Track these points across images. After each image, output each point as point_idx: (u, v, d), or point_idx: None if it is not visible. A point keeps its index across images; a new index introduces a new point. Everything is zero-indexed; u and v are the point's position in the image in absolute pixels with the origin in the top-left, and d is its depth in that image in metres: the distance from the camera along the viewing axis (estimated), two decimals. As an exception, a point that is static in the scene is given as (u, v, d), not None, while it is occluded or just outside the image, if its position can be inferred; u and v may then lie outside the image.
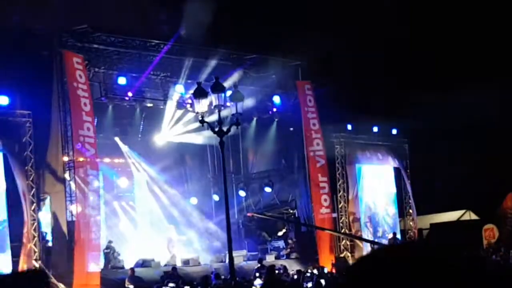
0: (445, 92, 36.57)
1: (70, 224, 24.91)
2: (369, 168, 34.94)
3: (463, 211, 40.30)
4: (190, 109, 29.84)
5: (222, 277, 24.39)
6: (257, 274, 24.87)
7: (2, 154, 23.80)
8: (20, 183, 23.77)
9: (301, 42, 30.53)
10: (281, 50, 31.00)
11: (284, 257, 31.22)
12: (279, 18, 31.88)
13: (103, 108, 29.32)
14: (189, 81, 29.28)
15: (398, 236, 34.21)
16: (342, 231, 32.14)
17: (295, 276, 25.56)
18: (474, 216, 40.23)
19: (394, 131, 36.23)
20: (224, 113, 20.69)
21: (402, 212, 36.20)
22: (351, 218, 33.30)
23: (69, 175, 25.33)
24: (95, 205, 24.90)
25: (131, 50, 28.71)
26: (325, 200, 31.40)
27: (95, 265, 24.25)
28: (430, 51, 36.80)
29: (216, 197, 34.26)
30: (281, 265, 28.30)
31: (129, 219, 31.59)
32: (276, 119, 33.76)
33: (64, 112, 25.49)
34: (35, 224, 23.99)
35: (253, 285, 22.37)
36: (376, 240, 31.09)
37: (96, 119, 26.91)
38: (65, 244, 24.91)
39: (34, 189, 24.15)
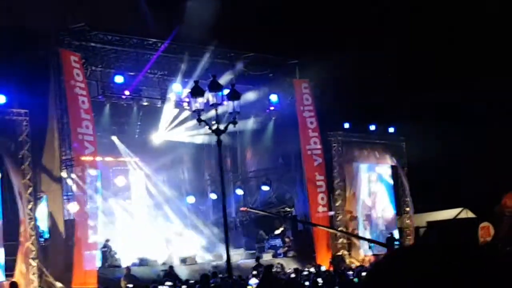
0: (443, 91, 36.63)
1: (68, 222, 24.92)
2: (367, 167, 34.97)
3: (460, 209, 40.31)
4: (187, 107, 29.82)
5: (220, 275, 24.39)
6: (254, 272, 24.88)
7: (-1, 153, 23.77)
8: (16, 182, 23.73)
9: (299, 41, 30.57)
10: (278, 48, 31.00)
11: (281, 256, 31.25)
12: (276, 16, 31.87)
13: (100, 106, 29.28)
14: (186, 79, 29.27)
15: (396, 234, 34.26)
16: (339, 229, 32.14)
17: (293, 275, 25.56)
18: (471, 214, 40.24)
19: (391, 130, 36.24)
20: (221, 111, 20.68)
21: (399, 210, 36.23)
22: (348, 216, 33.31)
23: (67, 174, 25.30)
24: (92, 203, 24.87)
25: (128, 48, 28.70)
26: (322, 198, 31.42)
27: (92, 264, 24.23)
28: (429, 50, 36.80)
29: (213, 196, 34.27)
30: (278, 263, 28.34)
31: (126, 218, 31.57)
32: (273, 118, 33.78)
33: (61, 111, 25.49)
34: (32, 223, 23.94)
35: (248, 284, 22.34)
36: (373, 239, 31.08)
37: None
38: (62, 243, 24.90)
39: (31, 188, 24.11)
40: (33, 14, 24.79)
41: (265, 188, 33.99)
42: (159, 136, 32.23)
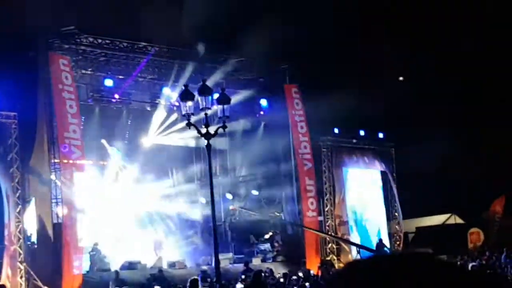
0: (431, 98, 36.76)
1: (56, 226, 24.82)
2: (356, 172, 35.02)
3: (448, 215, 40.47)
4: (177, 111, 29.77)
5: (209, 279, 24.34)
6: (243, 277, 24.85)
7: (-13, 156, 23.68)
8: (4, 185, 23.64)
9: (289, 45, 30.59)
10: (268, 53, 31.01)
11: (271, 260, 31.22)
12: (267, 21, 31.88)
13: (90, 110, 29.23)
14: (176, 83, 29.25)
15: (385, 240, 34.29)
16: (329, 233, 32.16)
17: (281, 279, 25.54)
18: (459, 220, 40.39)
19: (381, 135, 36.33)
20: (211, 115, 20.66)
21: (388, 215, 36.29)
22: (337, 221, 33.35)
23: (55, 177, 25.22)
24: (80, 207, 24.79)
25: (118, 52, 28.66)
26: (312, 203, 31.44)
27: (79, 268, 24.15)
28: (419, 53, 36.93)
29: (202, 200, 34.20)
30: (267, 268, 28.28)
31: (115, 222, 31.45)
32: (263, 122, 33.78)
33: (50, 114, 25.41)
34: (20, 226, 23.84)
35: None
36: (362, 244, 31.12)
37: (82, 121, 26.84)
38: (50, 246, 24.81)
39: (19, 191, 24.02)
40: (23, 17, 24.71)
41: (254, 192, 33.97)
42: (149, 139, 32.17)
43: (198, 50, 29.59)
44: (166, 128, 31.93)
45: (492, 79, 37.12)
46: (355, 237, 33.80)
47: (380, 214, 35.84)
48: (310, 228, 30.04)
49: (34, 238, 25.54)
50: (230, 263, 29.53)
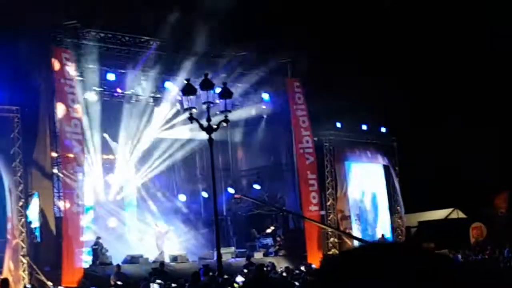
0: (434, 92, 36.73)
1: (58, 220, 24.86)
2: (358, 166, 35.01)
3: (451, 209, 40.47)
4: (179, 105, 29.78)
5: (210, 273, 24.36)
6: (245, 271, 24.88)
7: (-11, 149, 23.70)
8: (7, 179, 23.66)
9: (291, 40, 30.55)
10: (270, 47, 30.99)
11: (273, 254, 31.26)
12: (269, 15, 31.86)
13: (92, 104, 29.24)
14: (178, 77, 29.22)
15: (388, 234, 34.30)
16: (331, 226, 32.17)
17: (284, 274, 25.57)
18: (462, 215, 40.40)
19: (383, 129, 36.32)
20: (213, 110, 20.66)
21: (391, 210, 36.30)
22: (339, 215, 33.36)
23: (58, 171, 25.25)
24: (82, 201, 24.84)
25: (120, 46, 28.64)
26: (314, 197, 31.45)
27: (80, 262, 24.21)
28: (421, 50, 36.89)
29: (204, 194, 34.24)
30: (269, 262, 28.31)
31: (117, 216, 31.51)
32: (265, 116, 33.78)
33: (52, 108, 25.42)
34: (23, 219, 23.88)
35: (235, 282, 22.33)
36: (364, 238, 31.10)
37: (85, 115, 26.87)
38: (53, 240, 24.86)
39: (22, 185, 24.05)
40: (25, 11, 24.70)
41: (256, 186, 34.00)
42: (151, 134, 32.18)
43: (200, 44, 29.56)
44: (168, 122, 31.95)
45: (495, 74, 37.04)
46: (357, 231, 33.82)
47: (382, 208, 35.85)
48: (313, 220, 30.03)
49: (37, 232, 25.58)
50: (232, 257, 29.57)
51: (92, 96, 28.91)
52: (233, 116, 23.88)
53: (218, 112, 20.82)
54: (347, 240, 32.53)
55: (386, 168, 36.34)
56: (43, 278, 23.77)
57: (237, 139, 34.72)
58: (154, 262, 27.75)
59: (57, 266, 23.83)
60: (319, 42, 32.59)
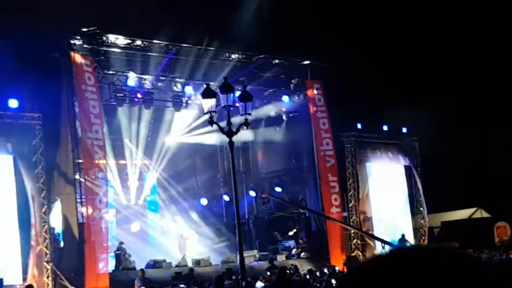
0: (454, 90, 36.49)
1: (81, 226, 24.97)
2: (380, 167, 34.84)
3: (474, 208, 40.18)
4: (199, 110, 29.83)
5: (233, 277, 24.35)
6: (268, 273, 24.84)
7: (12, 156, 23.82)
8: (29, 186, 23.81)
9: (311, 42, 30.52)
10: (290, 50, 30.98)
11: (295, 257, 31.20)
12: (288, 18, 31.84)
13: (113, 110, 29.39)
14: (197, 82, 29.29)
15: (410, 235, 34.12)
16: (353, 231, 32.02)
17: (307, 276, 25.51)
18: (485, 214, 40.10)
19: (404, 130, 36.15)
20: (233, 113, 20.66)
21: (413, 210, 36.10)
22: (361, 217, 33.22)
23: (80, 177, 25.38)
24: (105, 206, 24.95)
25: (139, 51, 28.73)
26: (336, 199, 31.38)
27: (105, 267, 24.28)
28: (441, 50, 36.69)
29: (226, 198, 34.27)
30: (292, 264, 28.28)
31: (139, 221, 31.63)
32: (285, 119, 33.74)
33: (73, 115, 25.56)
34: (46, 226, 24.01)
35: (255, 287, 22.21)
36: (385, 239, 30.92)
37: (105, 121, 26.99)
38: (76, 246, 24.97)
39: (44, 191, 24.19)
40: (45, 19, 24.85)
41: (278, 189, 33.97)
42: (172, 138, 32.28)
43: (219, 48, 29.59)
44: (188, 126, 32.02)
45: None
46: (379, 233, 33.63)
47: (404, 209, 35.66)
48: (339, 221, 29.92)
49: (60, 238, 25.71)
50: (255, 260, 29.56)
51: (112, 102, 29.02)
52: (253, 119, 23.88)
53: (238, 116, 20.82)
54: (370, 242, 32.39)
55: (407, 168, 36.16)
56: (67, 284, 23.89)
57: (258, 142, 34.71)
58: (177, 266, 27.82)
59: (81, 272, 23.93)
60: (339, 43, 32.52)
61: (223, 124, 19.42)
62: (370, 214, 33.55)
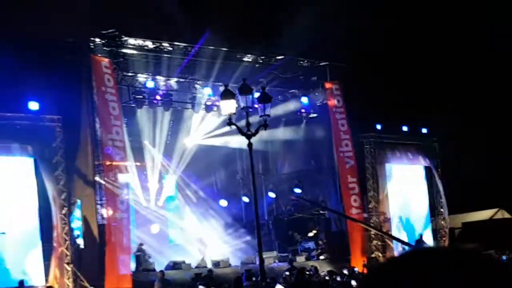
0: (475, 89, 36.27)
1: (101, 227, 25.07)
2: (400, 168, 34.70)
3: (495, 209, 39.89)
4: (218, 111, 29.86)
5: (253, 278, 24.37)
6: (286, 273, 24.84)
7: (33, 159, 23.97)
8: (50, 188, 23.95)
9: (329, 42, 30.45)
10: (308, 50, 30.92)
11: (315, 258, 31.15)
12: (307, 20, 31.80)
13: (132, 112, 29.48)
14: (217, 83, 29.32)
15: (429, 236, 33.94)
16: (373, 232, 31.91)
17: (327, 277, 25.47)
18: (507, 215, 39.80)
19: (424, 130, 35.98)
20: (252, 114, 20.66)
21: (433, 211, 35.93)
22: (381, 218, 33.09)
23: (100, 179, 25.49)
24: (125, 208, 25.03)
25: (159, 53, 28.80)
26: (355, 200, 31.30)
27: (127, 268, 24.36)
28: (463, 49, 36.48)
29: (245, 199, 34.29)
30: (312, 266, 28.24)
31: (159, 222, 31.71)
32: (304, 120, 33.68)
33: (93, 117, 25.68)
34: (66, 228, 24.14)
35: None
36: (406, 241, 30.81)
37: (125, 123, 27.08)
38: (96, 247, 25.07)
39: (65, 193, 24.31)
40: (65, 21, 24.97)
41: (297, 190, 33.92)
42: (191, 140, 32.33)
43: (238, 50, 29.61)
44: (208, 128, 32.05)
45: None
46: (399, 234, 33.50)
47: (424, 210, 35.50)
48: (362, 222, 29.84)
49: (80, 240, 25.84)
50: (275, 262, 29.54)
51: (132, 104, 29.13)
52: (272, 120, 23.86)
53: (257, 117, 20.83)
54: (389, 243, 32.27)
55: (427, 169, 35.99)
56: (87, 285, 23.99)
57: (277, 143, 34.67)
58: (197, 267, 27.87)
59: (101, 273, 24.02)
60: (357, 43, 32.43)
61: (241, 124, 19.45)
62: (390, 215, 33.42)
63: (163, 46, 28.55)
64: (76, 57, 25.82)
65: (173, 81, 29.64)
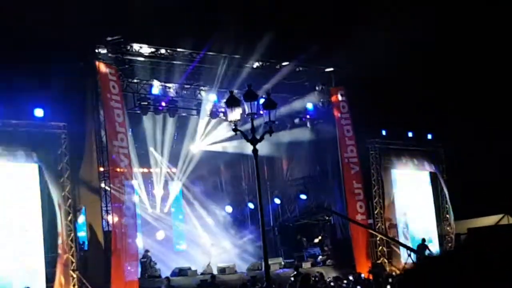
0: (479, 95, 36.19)
1: (107, 234, 25.07)
2: (405, 174, 34.64)
3: (501, 215, 39.78)
4: (223, 117, 29.89)
5: (259, 284, 24.34)
6: (292, 279, 24.79)
7: (38, 166, 23.98)
8: (55, 195, 23.95)
9: (334, 48, 30.43)
10: (313, 57, 30.90)
11: (321, 264, 31.11)
12: (311, 26, 31.79)
13: (137, 118, 29.51)
14: (221, 89, 29.34)
15: (434, 241, 33.85)
16: (378, 238, 31.85)
17: (332, 283, 25.42)
18: (512, 221, 39.69)
19: (429, 136, 35.93)
20: (258, 121, 20.65)
21: (439, 217, 35.86)
22: (387, 224, 33.03)
23: (105, 186, 25.50)
24: (130, 214, 25.03)
25: (164, 60, 28.84)
26: (361, 206, 31.24)
27: (133, 274, 24.34)
28: (465, 56, 36.42)
29: (251, 205, 34.28)
30: (318, 272, 28.19)
31: (164, 228, 31.72)
32: (309, 126, 33.66)
33: (98, 123, 25.71)
34: (72, 234, 24.13)
35: None
36: (411, 246, 30.75)
37: (130, 130, 27.10)
38: (102, 254, 25.06)
39: (70, 200, 24.32)
40: (70, 28, 25.02)
41: (302, 196, 33.89)
42: (196, 146, 32.35)
43: (243, 56, 29.62)
44: (213, 135, 32.06)
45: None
46: (405, 240, 33.42)
47: (429, 216, 35.42)
48: (371, 228, 29.75)
49: (86, 247, 25.83)
50: (280, 268, 29.50)
51: (137, 110, 29.16)
52: (278, 126, 23.83)
53: (262, 123, 20.81)
54: (396, 249, 32.21)
55: (433, 175, 35.93)
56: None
57: (283, 149, 34.65)
58: (202, 274, 27.84)
59: (107, 280, 24.00)
60: (362, 49, 32.39)
61: (245, 128, 19.44)
62: (396, 221, 33.35)
63: (168, 52, 28.59)
64: (81, 64, 25.89)
65: (178, 88, 29.65)
